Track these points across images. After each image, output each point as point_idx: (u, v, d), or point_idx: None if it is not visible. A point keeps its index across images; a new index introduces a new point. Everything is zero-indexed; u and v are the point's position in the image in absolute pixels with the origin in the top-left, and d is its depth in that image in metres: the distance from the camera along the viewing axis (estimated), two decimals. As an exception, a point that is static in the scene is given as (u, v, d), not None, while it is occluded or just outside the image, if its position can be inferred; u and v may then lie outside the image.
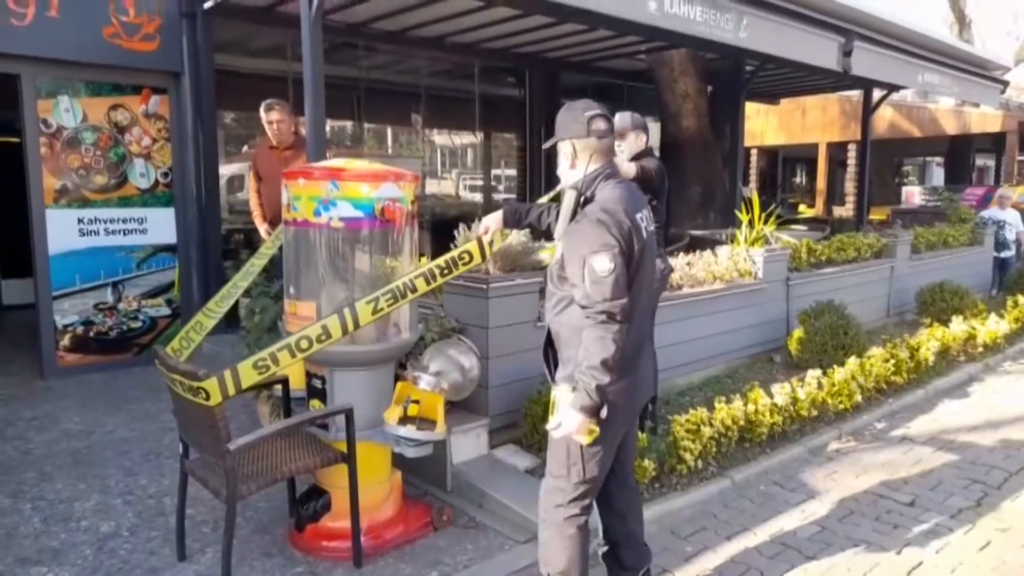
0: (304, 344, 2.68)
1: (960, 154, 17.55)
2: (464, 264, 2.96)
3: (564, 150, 2.36)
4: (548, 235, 2.87)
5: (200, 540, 3.12)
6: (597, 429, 2.25)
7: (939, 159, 21.51)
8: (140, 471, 3.86)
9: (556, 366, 2.44)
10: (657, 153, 8.32)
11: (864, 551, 3.20)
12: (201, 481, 2.80)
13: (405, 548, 3.09)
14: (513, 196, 10.58)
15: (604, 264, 2.15)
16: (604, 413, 2.23)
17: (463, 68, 9.04)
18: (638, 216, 2.31)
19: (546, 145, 2.46)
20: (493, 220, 2.90)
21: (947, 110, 15.28)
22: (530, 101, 9.51)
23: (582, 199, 2.30)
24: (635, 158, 3.92)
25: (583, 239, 2.21)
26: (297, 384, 3.23)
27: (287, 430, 2.90)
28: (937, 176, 22.74)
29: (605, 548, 2.63)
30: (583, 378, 2.17)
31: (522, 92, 9.61)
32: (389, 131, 10.38)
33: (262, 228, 5.25)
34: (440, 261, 2.92)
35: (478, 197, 11.38)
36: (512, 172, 10.79)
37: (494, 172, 11.21)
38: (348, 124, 9.22)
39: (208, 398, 2.48)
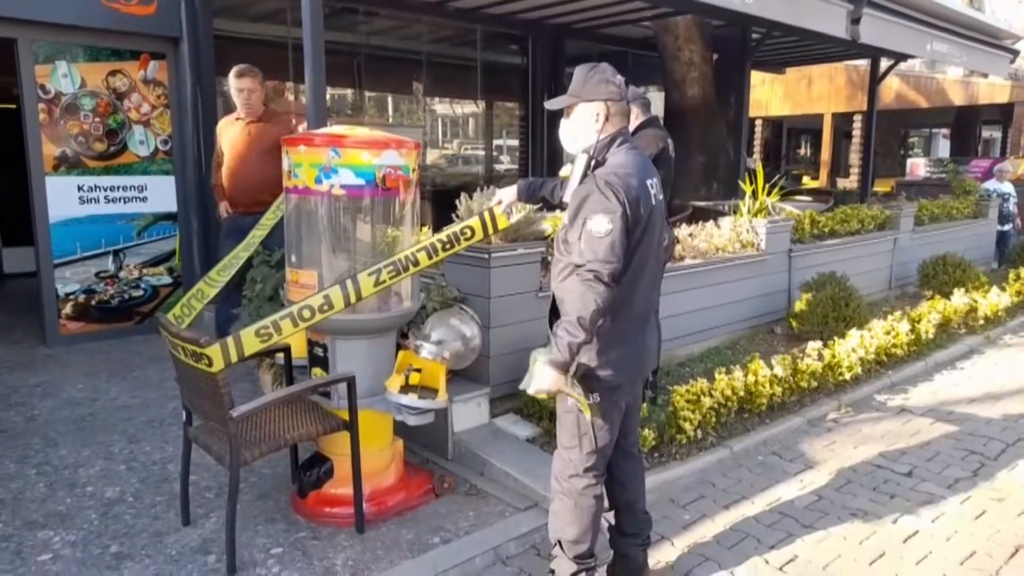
0: (307, 313, 2.68)
1: (966, 125, 17.38)
2: (467, 239, 2.95)
3: (592, 111, 2.31)
4: (559, 208, 2.86)
5: (204, 506, 3.16)
6: (590, 401, 2.26)
7: (945, 130, 21.30)
8: (143, 438, 3.89)
9: None
10: (661, 122, 8.22)
11: (861, 520, 3.23)
12: (204, 447, 2.82)
13: (407, 514, 3.12)
14: (515, 166, 10.51)
15: (602, 225, 2.15)
16: (574, 373, 2.22)
17: (465, 35, 8.91)
18: (648, 183, 2.31)
19: (556, 103, 2.38)
20: (507, 193, 2.88)
21: (955, 80, 15.09)
22: (533, 69, 9.38)
23: (593, 163, 2.28)
24: (634, 132, 3.88)
25: (588, 200, 2.21)
26: (299, 352, 3.24)
27: (289, 398, 2.91)
28: (943, 148, 22.54)
29: (612, 516, 2.65)
30: (558, 332, 2.17)
31: (525, 60, 9.47)
32: (390, 99, 10.26)
33: (221, 206, 4.89)
34: (443, 235, 2.91)
35: (479, 167, 11.31)
36: (514, 142, 10.70)
37: (495, 142, 11.12)
38: (348, 92, 9.12)
39: (211, 364, 2.49)
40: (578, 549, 2.42)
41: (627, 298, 2.28)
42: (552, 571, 2.49)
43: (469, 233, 2.95)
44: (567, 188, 2.31)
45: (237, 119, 4.74)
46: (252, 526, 3.00)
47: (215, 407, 2.59)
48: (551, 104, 2.41)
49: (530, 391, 2.26)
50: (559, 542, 2.45)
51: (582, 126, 2.34)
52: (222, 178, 4.85)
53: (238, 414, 2.54)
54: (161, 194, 5.84)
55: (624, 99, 2.34)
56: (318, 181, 2.82)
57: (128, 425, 4.04)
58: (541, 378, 2.20)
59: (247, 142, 4.58)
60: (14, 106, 8.55)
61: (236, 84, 4.61)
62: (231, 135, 4.75)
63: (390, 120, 10.07)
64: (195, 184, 5.91)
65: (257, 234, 3.54)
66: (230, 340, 2.54)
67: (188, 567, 2.72)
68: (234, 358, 2.56)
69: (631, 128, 3.88)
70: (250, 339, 2.58)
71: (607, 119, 2.31)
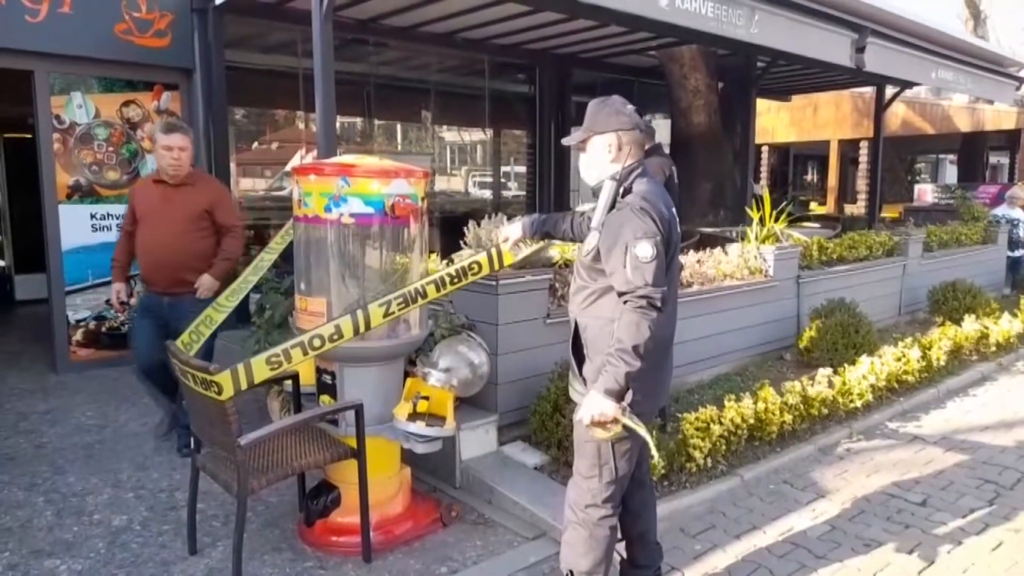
0: (316, 343, 2.69)
1: (973, 151, 17.38)
2: (474, 274, 2.97)
3: (605, 143, 2.35)
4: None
5: (211, 534, 3.14)
6: (618, 425, 2.22)
7: (952, 156, 21.31)
8: (151, 465, 3.89)
9: (582, 362, 2.42)
10: (667, 150, 8.28)
11: (875, 551, 3.18)
12: (211, 475, 2.81)
13: (414, 543, 3.10)
14: (522, 193, 10.57)
15: (647, 250, 2.16)
16: (627, 402, 2.19)
17: (473, 64, 9.02)
18: (672, 210, 2.34)
19: (572, 139, 2.43)
20: (513, 231, 2.90)
21: (961, 107, 15.14)
22: (540, 97, 9.48)
23: (621, 190, 2.30)
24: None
25: (626, 227, 2.22)
26: (307, 380, 3.24)
27: (297, 425, 2.91)
28: (950, 174, 22.55)
29: (623, 547, 2.62)
30: (611, 361, 2.16)
31: (532, 88, 9.59)
32: (399, 127, 10.38)
33: (114, 289, 4.12)
34: (451, 270, 2.93)
35: (488, 194, 11.39)
36: (521, 169, 10.78)
37: (503, 169, 11.20)
38: (358, 120, 9.24)
39: (220, 392, 2.50)
40: (590, 582, 2.39)
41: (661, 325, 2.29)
42: (562, 602, 2.46)
43: (476, 268, 2.97)
44: (595, 216, 2.32)
45: (157, 181, 3.95)
46: (259, 555, 2.98)
47: (223, 435, 2.59)
48: (567, 141, 2.47)
49: (585, 422, 2.21)
50: (571, 572, 2.42)
51: (597, 158, 2.39)
52: (128, 252, 4.08)
53: (246, 442, 2.54)
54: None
55: (637, 128, 2.37)
56: (328, 209, 2.85)
57: (136, 453, 4.04)
58: (597, 408, 2.17)
59: (171, 209, 3.86)
60: (29, 135, 8.75)
61: (164, 141, 3.84)
62: (149, 201, 3.93)
63: (399, 148, 10.18)
64: (206, 212, 5.96)
65: (267, 257, 3.55)
66: (240, 367, 2.55)
67: (194, 597, 2.70)
68: (244, 385, 2.56)
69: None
70: (260, 367, 2.59)
71: (619, 148, 2.35)
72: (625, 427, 2.22)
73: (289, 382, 3.27)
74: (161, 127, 3.93)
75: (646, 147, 3.96)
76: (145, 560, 2.94)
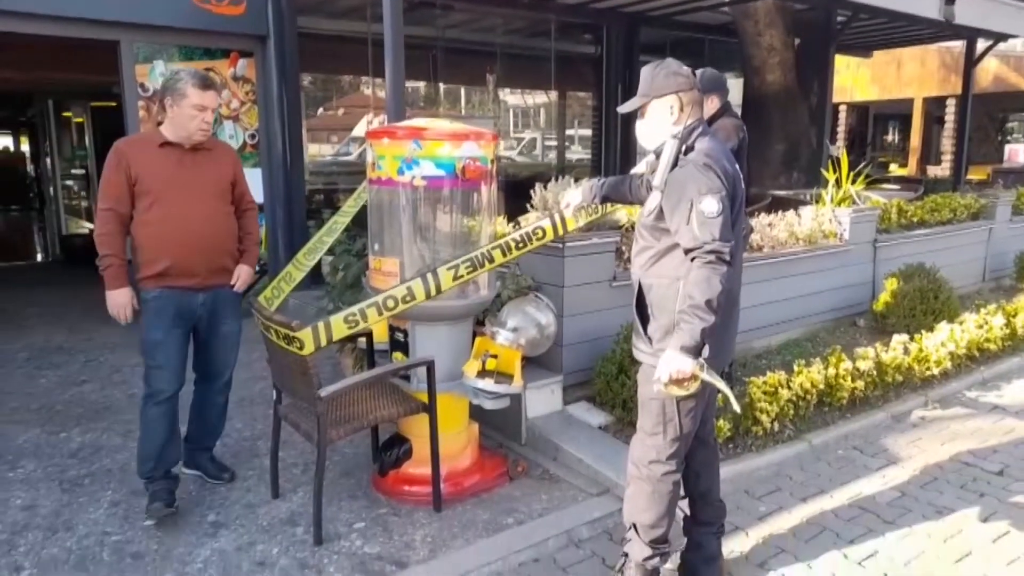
0: (391, 304, 2.79)
1: (1074, 108, 16.23)
2: (538, 239, 3.00)
3: (666, 105, 2.34)
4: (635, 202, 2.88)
5: (291, 481, 3.33)
6: (697, 383, 2.23)
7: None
8: (234, 416, 4.10)
9: (647, 321, 2.44)
10: (739, 111, 8.02)
11: (947, 517, 3.13)
12: (293, 425, 2.98)
13: (482, 496, 3.21)
14: (587, 156, 10.48)
15: (713, 206, 2.16)
16: (704, 357, 2.20)
17: (539, 25, 8.92)
18: (735, 166, 2.33)
19: (629, 105, 2.42)
20: (575, 196, 2.92)
21: (1061, 60, 14.12)
22: (607, 58, 9.32)
23: (683, 148, 2.30)
24: (709, 121, 3.83)
25: (690, 183, 2.21)
26: (380, 337, 3.37)
27: (373, 380, 3.04)
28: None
29: (686, 504, 2.66)
30: (686, 317, 2.16)
31: (598, 49, 9.43)
32: (464, 91, 10.41)
33: (123, 295, 3.02)
34: (516, 235, 2.98)
35: (552, 157, 11.34)
36: (586, 132, 10.67)
37: (568, 132, 11.12)
38: (421, 85, 9.31)
39: (302, 347, 2.63)
40: (653, 534, 2.45)
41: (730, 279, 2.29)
42: (626, 554, 2.53)
43: (541, 234, 3.00)
44: (657, 175, 2.32)
45: (166, 144, 3.03)
46: (336, 502, 3.14)
47: (305, 387, 2.74)
48: (624, 108, 2.45)
49: (664, 378, 2.21)
50: (634, 526, 2.48)
51: (658, 122, 2.37)
52: (124, 242, 3.02)
53: (326, 394, 2.67)
54: (249, 185, 6.10)
55: (695, 88, 2.35)
56: (400, 172, 2.93)
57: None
58: (675, 365, 2.17)
59: (198, 179, 3.07)
60: (114, 104, 9.18)
61: (198, 99, 2.97)
62: (163, 169, 3.00)
63: (462, 112, 10.22)
64: (281, 176, 6.18)
65: (340, 220, 3.67)
66: (320, 325, 2.68)
67: (278, 537, 2.88)
68: (324, 342, 2.69)
69: (707, 116, 3.85)
70: (339, 325, 2.72)
71: (681, 110, 2.34)
72: (704, 382, 2.23)
73: (362, 340, 3.41)
74: (193, 81, 2.98)
75: (719, 107, 3.92)
76: (233, 502, 3.15)
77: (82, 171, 9.65)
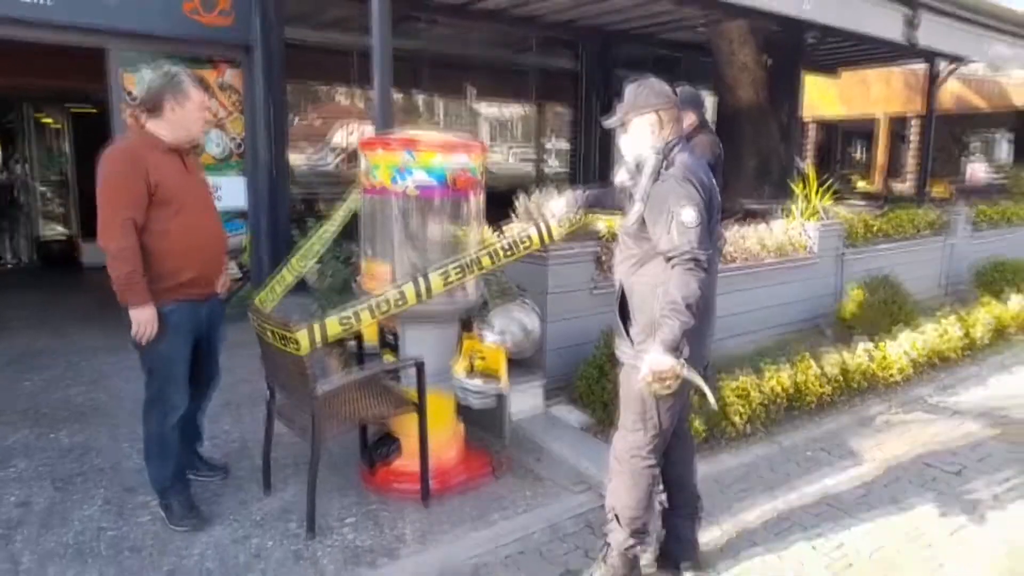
0: (383, 306, 2.92)
1: (1031, 129, 16.86)
2: (525, 248, 3.15)
3: (647, 121, 2.51)
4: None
5: (281, 478, 3.41)
6: (678, 381, 2.37)
7: (1010, 136, 20.65)
8: (221, 418, 4.17)
9: (629, 324, 2.59)
10: (714, 127, 8.24)
11: (907, 513, 3.32)
12: (287, 422, 3.08)
13: (468, 491, 3.33)
14: (564, 168, 10.69)
15: (691, 216, 2.33)
16: (684, 356, 2.35)
17: (520, 41, 9.13)
18: (711, 179, 2.50)
19: (613, 121, 2.59)
20: (559, 206, 3.07)
21: (1018, 84, 14.69)
22: (585, 73, 9.56)
23: (664, 163, 2.46)
24: (687, 136, 4.02)
25: (671, 195, 2.38)
26: (370, 339, 3.48)
27: (367, 379, 3.15)
28: (1006, 151, 21.85)
29: (664, 497, 2.81)
30: (666, 318, 2.32)
31: (576, 65, 9.66)
32: (444, 103, 10.55)
33: (150, 313, 2.84)
34: (504, 243, 3.13)
35: (529, 168, 11.53)
36: (564, 144, 10.89)
37: (546, 143, 11.32)
38: (400, 97, 9.44)
39: (298, 347, 2.74)
40: (634, 523, 2.59)
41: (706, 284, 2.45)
42: (608, 542, 2.66)
43: (527, 242, 3.16)
44: (640, 187, 2.48)
45: (170, 151, 2.92)
46: (326, 496, 3.23)
47: (301, 385, 2.84)
48: (608, 123, 2.63)
49: (646, 376, 2.35)
50: (616, 515, 2.62)
51: (640, 137, 2.54)
52: (163, 245, 2.85)
53: (322, 391, 2.78)
54: (234, 193, 6.19)
55: (675, 105, 2.53)
56: (394, 181, 3.06)
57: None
58: (657, 363, 2.32)
59: (200, 185, 3.07)
60: (94, 110, 9.15)
61: (200, 98, 2.96)
62: (175, 175, 2.90)
63: (441, 124, 10.36)
64: (265, 183, 6.26)
65: (331, 228, 3.77)
66: (316, 325, 2.79)
67: (272, 530, 2.98)
68: (318, 342, 2.80)
69: (685, 131, 4.04)
70: (333, 325, 2.83)
71: (662, 126, 2.51)
72: (683, 380, 2.38)
73: (351, 343, 3.52)
74: (193, 80, 2.93)
75: (695, 122, 4.11)
76: (226, 498, 3.23)
77: (60, 177, 9.60)
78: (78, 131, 9.01)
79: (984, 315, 5.73)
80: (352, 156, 9.24)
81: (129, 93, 5.69)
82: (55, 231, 9.83)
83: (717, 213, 2.54)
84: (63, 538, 2.89)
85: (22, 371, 4.94)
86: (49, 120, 9.60)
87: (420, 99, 9.77)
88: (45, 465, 3.54)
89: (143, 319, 2.82)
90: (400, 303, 2.95)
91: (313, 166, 9.67)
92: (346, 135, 9.40)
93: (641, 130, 2.53)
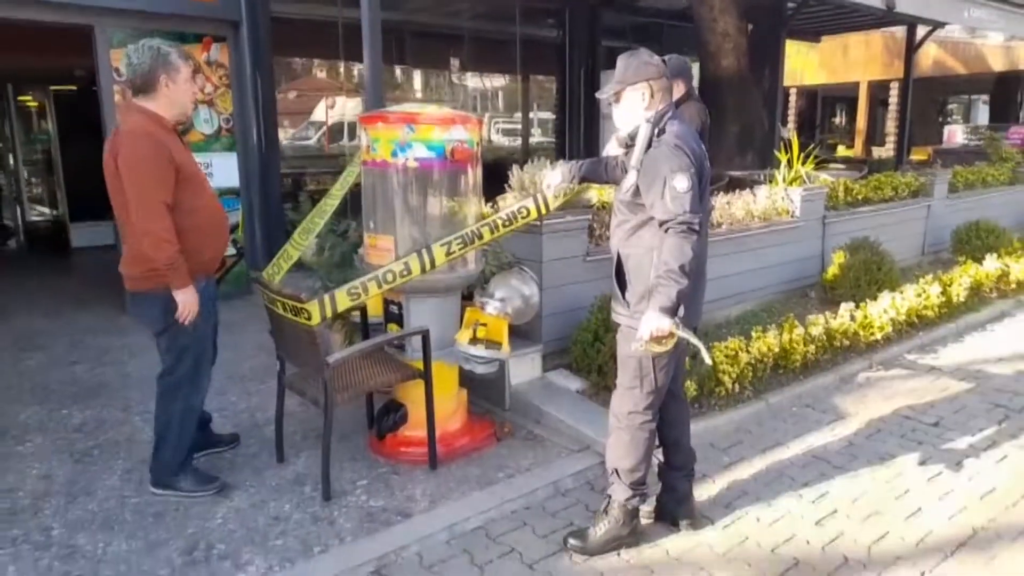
0: (389, 277, 3.03)
1: (1007, 92, 17.09)
2: (523, 218, 3.27)
3: (639, 92, 2.61)
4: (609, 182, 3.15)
5: (293, 448, 3.55)
6: (673, 340, 2.51)
7: (985, 97, 20.91)
8: (229, 391, 4.30)
9: (624, 288, 2.72)
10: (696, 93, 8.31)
11: (889, 462, 3.52)
12: (299, 392, 3.20)
13: (472, 455, 3.48)
14: (551, 140, 10.75)
15: (683, 182, 2.45)
16: (680, 316, 2.48)
17: (503, 10, 9.12)
18: (702, 147, 2.62)
19: (607, 92, 2.69)
20: (555, 177, 3.18)
21: (995, 46, 14.87)
22: (569, 43, 9.58)
23: (656, 131, 2.57)
24: (676, 104, 4.11)
25: (663, 163, 2.50)
26: (374, 312, 3.60)
27: (373, 348, 3.28)
28: (983, 114, 22.14)
29: (661, 455, 2.98)
30: (662, 281, 2.44)
31: (561, 33, 9.67)
32: (430, 75, 10.54)
33: (193, 293, 2.89)
34: (502, 215, 3.24)
35: (517, 140, 11.57)
36: (548, 115, 10.94)
37: (532, 115, 11.36)
38: (385, 68, 9.43)
39: (310, 318, 2.85)
40: (633, 477, 2.75)
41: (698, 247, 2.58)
42: (609, 496, 2.83)
43: (525, 213, 3.27)
44: (634, 155, 2.60)
45: (177, 127, 3.02)
46: (337, 464, 3.37)
47: (312, 355, 2.96)
48: (601, 94, 2.73)
49: (644, 336, 2.46)
50: (616, 471, 2.78)
51: (632, 108, 2.65)
52: (189, 223, 2.89)
53: (333, 360, 2.90)
54: (225, 170, 6.22)
55: (664, 76, 2.64)
56: (394, 155, 3.15)
57: (213, 382, 4.40)
58: (655, 324, 2.44)
59: (194, 159, 3.09)
60: (74, 87, 9.07)
61: (188, 71, 2.98)
62: (186, 152, 2.99)
63: (419, 94, 10.35)
64: (256, 160, 6.30)
65: (329, 203, 3.85)
66: (326, 297, 2.90)
67: (288, 495, 3.11)
68: (328, 313, 2.91)
69: (675, 100, 4.14)
70: (342, 297, 2.94)
71: (652, 96, 2.62)
72: (678, 339, 2.52)
73: (355, 315, 3.63)
74: (181, 52, 2.94)
75: (684, 92, 4.21)
76: (241, 467, 3.37)
77: (42, 156, 9.54)
78: (60, 111, 8.93)
79: (961, 276, 5.93)
80: (335, 131, 9.26)
81: (117, 70, 5.68)
82: (39, 213, 9.80)
83: (707, 179, 2.67)
84: (88, 506, 3.02)
85: (24, 350, 5.02)
86: (30, 100, 9.51)
87: (405, 72, 9.75)
88: (61, 439, 3.65)
89: (189, 299, 2.88)
90: (405, 274, 3.06)
91: (298, 142, 9.67)
92: (329, 110, 9.38)
93: (633, 102, 2.64)
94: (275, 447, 3.43)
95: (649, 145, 2.58)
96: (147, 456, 3.36)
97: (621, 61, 2.66)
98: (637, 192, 2.60)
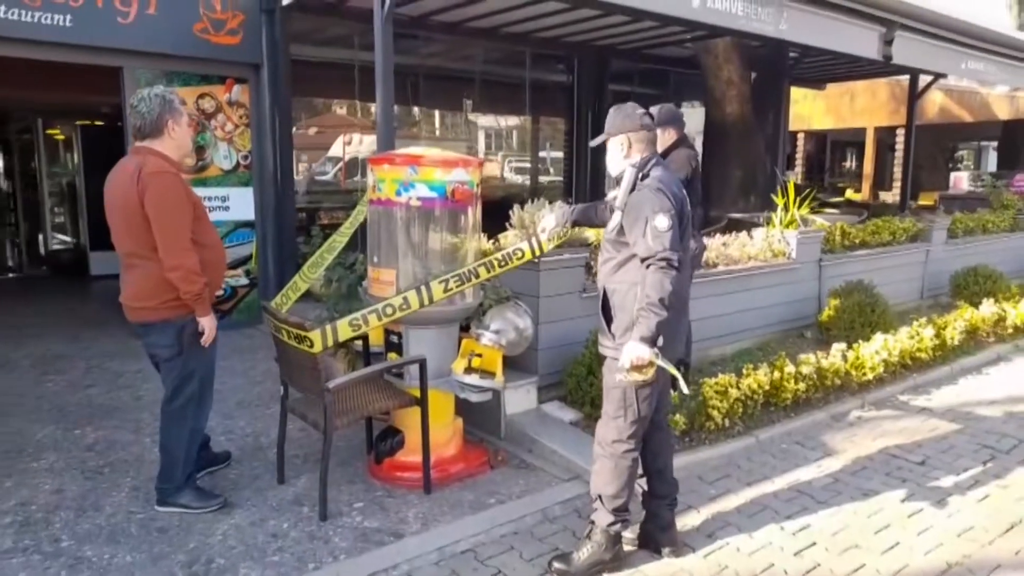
0: (389, 311, 3.22)
1: (1014, 139, 17.23)
2: (518, 259, 3.49)
3: (619, 143, 2.87)
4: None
5: (293, 470, 3.69)
6: (653, 369, 2.67)
7: (995, 144, 21.07)
8: (236, 416, 4.46)
9: (610, 321, 2.88)
10: (701, 138, 8.62)
11: (871, 498, 3.60)
12: (301, 416, 3.36)
13: (466, 481, 3.61)
14: (559, 177, 11.00)
15: (664, 222, 2.65)
16: (659, 347, 2.63)
17: (514, 56, 9.46)
18: (682, 192, 2.85)
19: (595, 141, 2.94)
20: (550, 221, 3.40)
21: (1000, 95, 15.10)
22: (578, 87, 9.89)
23: (640, 175, 2.78)
24: (665, 152, 4.30)
25: (645, 204, 2.70)
26: (375, 341, 3.77)
27: (373, 375, 3.44)
28: (993, 161, 22.28)
29: (644, 483, 3.10)
30: (643, 313, 2.62)
31: (570, 78, 9.99)
32: (445, 115, 10.87)
33: (214, 319, 3.22)
34: (499, 255, 3.45)
35: (525, 179, 11.84)
36: (558, 154, 11.21)
37: (542, 154, 11.65)
38: (399, 109, 9.74)
39: (312, 346, 3.02)
40: (616, 503, 2.87)
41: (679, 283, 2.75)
42: (592, 522, 2.94)
43: (520, 255, 3.48)
44: (619, 197, 2.82)
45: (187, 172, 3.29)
46: (336, 486, 3.51)
47: (313, 381, 3.13)
48: (593, 143, 3.02)
49: (625, 365, 2.64)
50: (599, 497, 2.90)
51: (613, 154, 2.94)
52: (203, 258, 3.12)
53: (334, 386, 3.07)
54: (241, 203, 6.48)
55: (645, 128, 2.88)
56: (398, 194, 3.35)
57: (222, 406, 4.60)
58: (635, 352, 2.61)
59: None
60: (101, 123, 9.45)
61: (184, 118, 3.17)
62: (196, 195, 3.21)
63: (437, 135, 10.66)
64: (272, 194, 6.55)
65: (339, 239, 4.06)
66: (328, 327, 3.08)
67: (287, 514, 3.25)
68: (330, 342, 3.09)
69: (665, 146, 4.35)
70: (344, 327, 3.12)
71: (629, 146, 2.88)
72: (658, 369, 2.68)
73: (357, 343, 3.80)
74: (181, 102, 3.15)
75: (676, 138, 4.41)
76: (243, 487, 3.51)
77: (66, 187, 9.90)
78: (86, 144, 9.30)
79: (956, 319, 6.02)
80: (351, 167, 9.56)
81: (143, 110, 5.98)
82: (62, 242, 10.13)
83: (688, 221, 2.86)
84: (96, 520, 3.17)
85: (45, 373, 5.22)
86: (59, 134, 9.91)
87: (421, 111, 10.07)
88: (74, 457, 3.82)
89: (213, 324, 3.17)
90: (404, 308, 3.24)
91: (316, 176, 9.98)
92: (346, 147, 9.70)
93: (613, 149, 2.92)
94: (276, 468, 3.58)
95: (633, 188, 2.78)
96: (154, 475, 3.52)
97: (610, 113, 2.94)
98: (621, 231, 2.79)
